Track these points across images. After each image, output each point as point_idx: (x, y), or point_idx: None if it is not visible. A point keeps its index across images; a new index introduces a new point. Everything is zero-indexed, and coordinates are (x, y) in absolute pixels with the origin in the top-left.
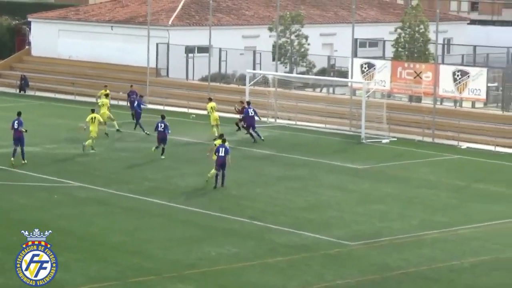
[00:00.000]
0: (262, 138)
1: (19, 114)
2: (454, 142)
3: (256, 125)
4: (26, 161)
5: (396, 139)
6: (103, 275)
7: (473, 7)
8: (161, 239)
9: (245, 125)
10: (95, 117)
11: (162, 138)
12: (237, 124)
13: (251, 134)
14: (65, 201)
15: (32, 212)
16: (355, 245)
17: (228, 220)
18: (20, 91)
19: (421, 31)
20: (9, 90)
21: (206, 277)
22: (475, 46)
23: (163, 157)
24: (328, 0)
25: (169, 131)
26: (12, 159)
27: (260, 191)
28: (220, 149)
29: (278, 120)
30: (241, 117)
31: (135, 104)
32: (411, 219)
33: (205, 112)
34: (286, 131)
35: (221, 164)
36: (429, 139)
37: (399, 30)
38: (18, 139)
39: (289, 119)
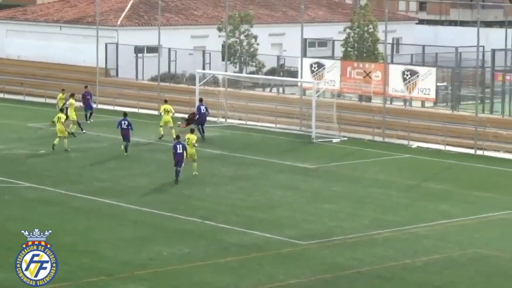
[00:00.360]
0: (204, 137)
1: None
2: (404, 142)
3: (205, 124)
4: None
5: (346, 138)
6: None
7: (422, 7)
8: (112, 239)
9: (193, 122)
10: (59, 117)
11: (125, 135)
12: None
13: (199, 132)
14: (14, 202)
15: None
16: (307, 244)
17: (179, 220)
18: None
19: (370, 30)
20: None
21: (158, 277)
22: (424, 46)
23: (127, 153)
24: (277, 0)
25: (133, 128)
26: None
27: (212, 191)
28: (177, 146)
29: (228, 120)
30: (187, 118)
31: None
32: (362, 218)
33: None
34: (237, 131)
35: (178, 161)
36: (379, 139)
37: (348, 30)
38: None
39: (239, 119)
